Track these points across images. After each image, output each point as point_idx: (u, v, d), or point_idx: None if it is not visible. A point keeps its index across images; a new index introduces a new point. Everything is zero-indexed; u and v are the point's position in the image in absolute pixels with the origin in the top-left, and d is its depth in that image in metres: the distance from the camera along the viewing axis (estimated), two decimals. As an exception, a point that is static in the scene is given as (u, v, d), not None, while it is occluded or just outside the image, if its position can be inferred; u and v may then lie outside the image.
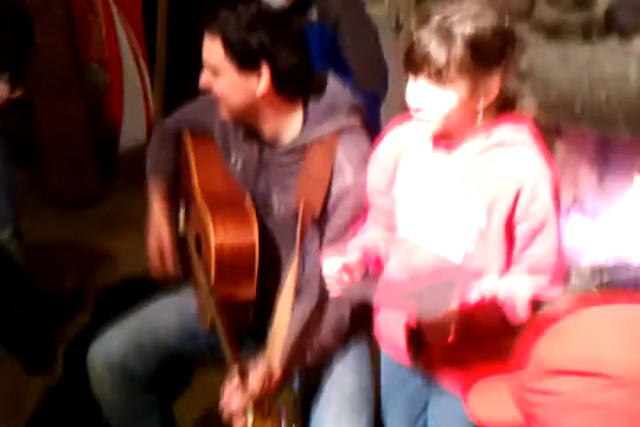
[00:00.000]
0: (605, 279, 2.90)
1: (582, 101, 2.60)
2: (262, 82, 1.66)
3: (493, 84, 1.43)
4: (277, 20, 1.69)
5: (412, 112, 1.48)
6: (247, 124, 1.78)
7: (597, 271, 2.95)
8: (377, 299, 1.64)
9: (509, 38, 1.44)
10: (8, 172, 2.57)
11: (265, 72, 1.65)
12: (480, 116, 1.46)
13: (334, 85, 1.77)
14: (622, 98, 2.53)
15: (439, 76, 1.39)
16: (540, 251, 1.48)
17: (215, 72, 1.67)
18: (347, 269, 1.50)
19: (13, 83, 2.42)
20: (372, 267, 1.63)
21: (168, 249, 1.94)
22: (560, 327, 1.02)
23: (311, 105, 1.74)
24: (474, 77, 1.40)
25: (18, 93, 2.46)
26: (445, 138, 1.51)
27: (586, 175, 3.14)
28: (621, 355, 0.92)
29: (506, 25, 1.43)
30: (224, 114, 1.75)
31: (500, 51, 1.41)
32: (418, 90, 1.44)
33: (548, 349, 1.00)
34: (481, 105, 1.44)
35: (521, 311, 1.48)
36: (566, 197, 3.09)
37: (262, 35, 1.63)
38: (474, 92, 1.42)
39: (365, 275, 1.60)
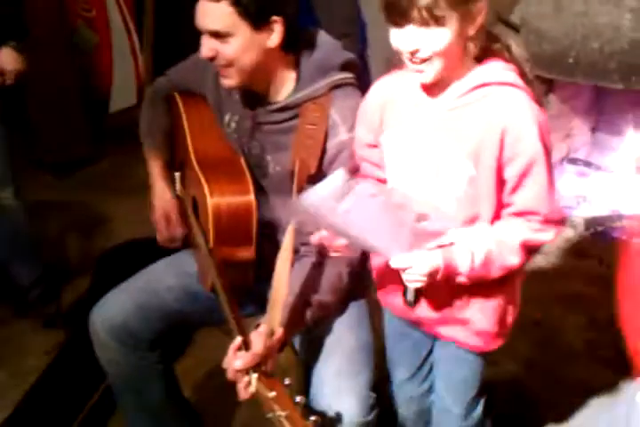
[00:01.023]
0: (598, 229, 2.94)
1: (576, 52, 2.59)
2: (274, 36, 1.64)
3: (479, 14, 1.40)
4: None
5: (405, 57, 1.44)
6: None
7: (590, 221, 2.99)
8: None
9: None
10: (3, 130, 2.55)
11: (277, 25, 1.63)
12: (466, 57, 1.45)
13: (325, 41, 1.75)
14: (615, 48, 2.52)
15: (431, 13, 1.35)
16: (530, 194, 1.47)
17: (225, 36, 1.62)
18: None
19: (24, 50, 2.40)
20: None
21: (174, 217, 1.93)
22: None
23: (304, 62, 1.72)
24: (462, 7, 1.36)
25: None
26: (432, 85, 1.49)
27: (579, 126, 3.15)
28: None
29: None
30: (232, 81, 1.70)
31: None
32: (407, 35, 1.39)
33: None
34: (470, 46, 1.43)
35: (514, 257, 1.49)
36: (560, 148, 3.10)
37: None
38: (464, 25, 1.38)
39: None
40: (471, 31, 1.41)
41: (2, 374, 2.50)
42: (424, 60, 1.42)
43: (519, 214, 1.49)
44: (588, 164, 3.19)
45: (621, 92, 2.70)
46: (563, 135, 3.05)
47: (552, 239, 1.53)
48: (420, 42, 1.39)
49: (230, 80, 1.70)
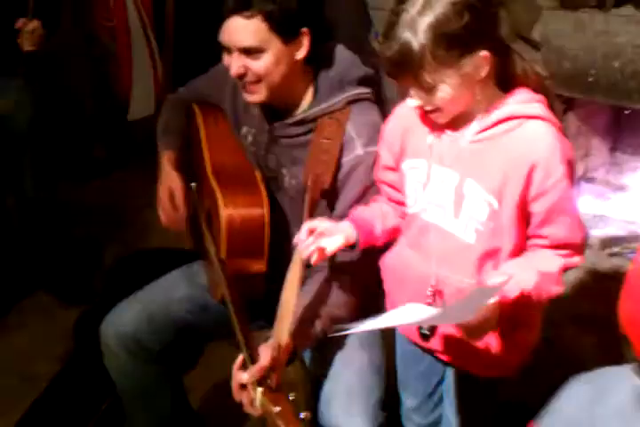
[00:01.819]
0: (615, 250, 2.91)
1: (596, 71, 2.57)
2: (303, 48, 1.65)
3: (482, 62, 1.36)
4: None
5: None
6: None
7: (607, 241, 2.96)
8: (390, 289, 1.66)
9: (483, 10, 1.35)
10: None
11: (305, 37, 1.64)
12: (481, 95, 1.42)
13: (344, 55, 1.75)
14: (636, 68, 2.50)
15: (420, 82, 1.36)
16: (563, 228, 1.44)
17: (257, 52, 1.62)
18: (311, 231, 1.52)
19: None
20: (363, 239, 1.60)
21: (179, 194, 1.89)
22: None
23: (322, 76, 1.72)
24: (457, 64, 1.34)
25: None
26: (453, 119, 1.47)
27: (598, 146, 3.13)
28: None
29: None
30: (260, 96, 1.69)
31: (474, 28, 1.33)
32: (412, 94, 1.42)
33: None
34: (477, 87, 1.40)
35: (556, 286, 1.46)
36: (578, 168, 3.08)
37: (292, 3, 1.61)
38: (464, 77, 1.36)
39: (353, 247, 1.60)
40: (480, 75, 1.38)
41: (13, 380, 2.50)
42: (432, 112, 1.43)
43: (554, 247, 1.46)
44: (605, 183, 3.16)
45: (641, 111, 2.68)
46: (581, 154, 3.03)
47: (581, 262, 1.51)
48: (422, 99, 1.41)
49: (258, 96, 1.69)
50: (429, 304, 1.51)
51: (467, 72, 1.36)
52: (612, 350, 2.50)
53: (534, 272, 1.42)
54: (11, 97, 2.65)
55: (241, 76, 1.66)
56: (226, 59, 1.68)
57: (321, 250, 1.52)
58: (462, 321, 1.38)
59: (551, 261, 1.46)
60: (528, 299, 1.41)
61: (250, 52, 1.62)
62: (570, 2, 2.60)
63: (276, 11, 1.59)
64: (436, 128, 1.50)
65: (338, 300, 1.71)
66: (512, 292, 1.37)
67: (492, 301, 1.34)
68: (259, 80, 1.66)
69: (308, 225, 1.54)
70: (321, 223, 1.56)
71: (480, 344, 1.53)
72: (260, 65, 1.64)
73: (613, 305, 2.73)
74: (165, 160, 1.96)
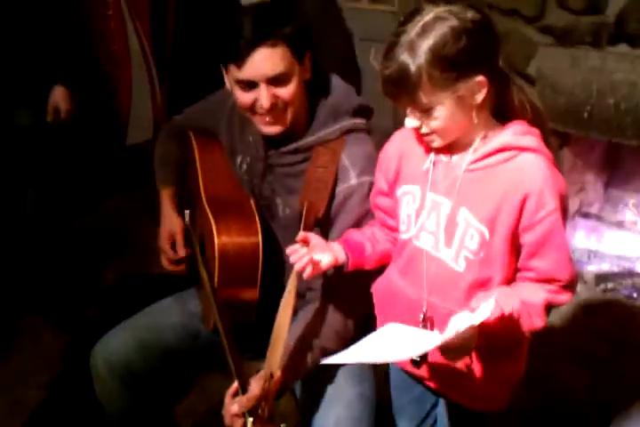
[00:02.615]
0: (609, 285, 2.91)
1: (591, 107, 2.59)
2: (308, 69, 1.66)
3: (478, 87, 1.38)
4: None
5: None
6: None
7: (602, 277, 2.95)
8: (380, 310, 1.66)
9: (481, 36, 1.37)
10: None
11: (308, 58, 1.65)
12: (477, 122, 1.42)
13: (339, 85, 1.76)
14: (631, 105, 2.52)
15: (416, 102, 1.38)
16: (551, 261, 1.45)
17: (285, 78, 1.61)
18: (304, 241, 1.54)
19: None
20: (352, 260, 1.61)
21: (180, 238, 1.90)
22: None
23: (318, 105, 1.72)
24: (453, 87, 1.36)
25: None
26: (448, 145, 1.49)
27: (592, 181, 3.14)
28: None
29: (471, 25, 1.35)
30: (283, 125, 1.67)
31: (471, 52, 1.35)
32: (408, 115, 1.43)
33: None
34: (475, 113, 1.41)
35: (539, 318, 1.46)
36: (573, 203, 3.09)
37: (302, 22, 1.63)
38: (460, 101, 1.38)
39: (341, 267, 1.60)
40: (476, 100, 1.40)
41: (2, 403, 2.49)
42: (427, 134, 1.45)
43: (540, 281, 1.47)
44: (600, 218, 3.17)
45: (636, 148, 2.69)
46: (576, 189, 3.04)
47: (568, 300, 1.51)
48: (418, 121, 1.43)
49: (281, 125, 1.68)
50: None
51: (462, 95, 1.37)
52: (606, 387, 2.49)
53: (517, 299, 1.43)
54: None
55: (272, 108, 1.63)
56: (244, 96, 1.64)
57: (315, 263, 1.53)
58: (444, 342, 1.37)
59: (535, 294, 1.46)
60: (509, 323, 1.42)
61: (279, 79, 1.61)
62: (565, 39, 2.63)
63: (293, 33, 1.59)
64: (433, 155, 1.52)
65: (330, 332, 1.70)
66: (493, 312, 1.38)
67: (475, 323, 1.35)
68: (286, 108, 1.65)
69: (301, 235, 1.55)
70: (314, 237, 1.57)
71: (465, 374, 1.54)
72: (289, 91, 1.62)
73: (608, 342, 2.72)
74: (165, 198, 1.97)
